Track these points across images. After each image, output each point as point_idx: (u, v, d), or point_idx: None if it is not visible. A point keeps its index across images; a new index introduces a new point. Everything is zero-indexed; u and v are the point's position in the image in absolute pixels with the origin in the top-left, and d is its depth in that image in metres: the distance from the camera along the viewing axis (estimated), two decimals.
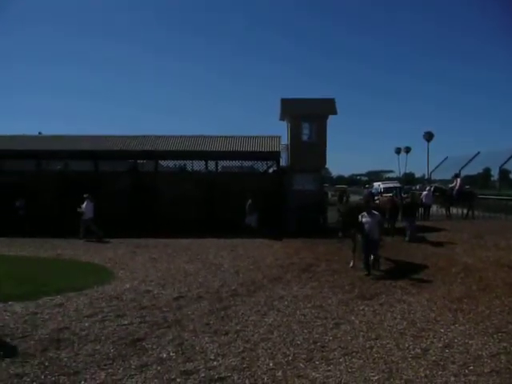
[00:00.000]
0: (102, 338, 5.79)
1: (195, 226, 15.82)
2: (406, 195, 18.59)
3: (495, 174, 35.81)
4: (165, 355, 5.26)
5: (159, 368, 4.91)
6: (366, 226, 9.68)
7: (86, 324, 6.32)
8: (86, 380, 4.62)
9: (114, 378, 4.67)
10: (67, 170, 18.50)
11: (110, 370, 4.83)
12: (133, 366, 4.94)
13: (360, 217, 9.96)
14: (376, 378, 4.70)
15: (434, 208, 20.47)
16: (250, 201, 16.14)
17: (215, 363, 5.07)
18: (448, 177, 24.12)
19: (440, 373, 4.81)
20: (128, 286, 8.51)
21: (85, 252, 12.13)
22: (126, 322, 6.39)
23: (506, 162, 25.34)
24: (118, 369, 4.88)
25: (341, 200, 28.06)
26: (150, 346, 5.55)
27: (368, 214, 9.84)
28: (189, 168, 19.07)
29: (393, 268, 10.30)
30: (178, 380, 4.65)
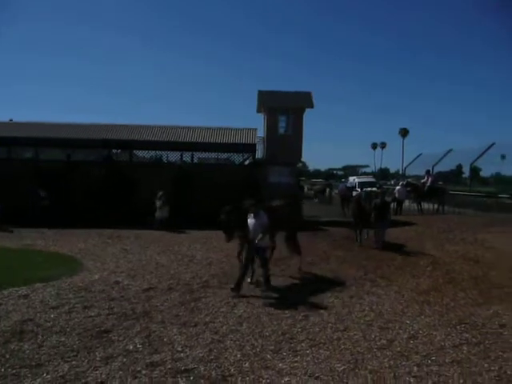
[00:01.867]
0: (68, 329, 5.68)
1: (169, 217, 15.65)
2: (378, 190, 18.77)
3: (466, 171, 36.74)
4: (131, 347, 5.21)
5: (125, 360, 4.85)
6: (250, 229, 7.81)
7: (52, 315, 6.19)
8: (48, 372, 4.52)
9: (78, 370, 4.59)
10: (38, 158, 18.02)
11: (73, 362, 4.75)
12: (98, 358, 4.87)
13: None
14: (341, 368, 4.77)
15: (406, 203, 20.84)
16: (160, 193, 15.34)
17: (182, 355, 5.04)
18: (422, 173, 24.53)
19: (404, 363, 4.91)
20: (97, 276, 8.38)
21: (55, 242, 11.87)
22: (93, 314, 6.28)
23: (476, 160, 26.01)
24: (83, 361, 4.80)
25: (323, 193, 28.31)
26: (116, 337, 5.48)
27: (254, 214, 7.82)
28: (164, 159, 18.86)
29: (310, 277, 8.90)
30: (144, 372, 4.60)
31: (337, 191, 25.74)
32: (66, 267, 9.02)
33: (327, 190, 28.34)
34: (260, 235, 7.63)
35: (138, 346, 5.25)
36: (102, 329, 5.73)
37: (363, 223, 12.36)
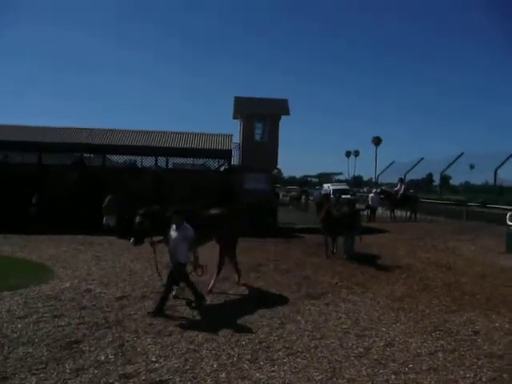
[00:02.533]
0: (36, 340, 5.44)
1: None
2: (351, 197, 18.98)
3: (437, 180, 37.67)
4: (103, 358, 5.02)
5: (96, 372, 4.66)
6: (170, 243, 6.92)
7: (19, 325, 5.92)
8: None
9: (47, 383, 4.39)
10: (7, 161, 17.44)
11: (42, 375, 4.53)
12: (67, 370, 4.66)
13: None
14: (319, 377, 4.71)
15: (379, 210, 21.15)
16: (109, 197, 14.96)
17: (157, 365, 4.89)
18: (394, 180, 25.04)
19: (381, 371, 4.90)
20: (68, 284, 8.10)
21: (22, 249, 11.44)
22: (62, 323, 6.04)
23: (446, 169, 26.71)
24: (52, 373, 4.59)
25: (298, 200, 28.36)
26: (87, 348, 5.28)
27: (177, 225, 6.83)
28: (138, 164, 18.56)
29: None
30: None
31: (312, 198, 25.92)
32: (34, 275, 8.70)
33: (302, 197, 28.39)
34: (182, 251, 6.76)
35: (111, 356, 5.07)
36: (73, 339, 5.51)
37: (331, 231, 11.68)
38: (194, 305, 7.01)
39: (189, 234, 6.82)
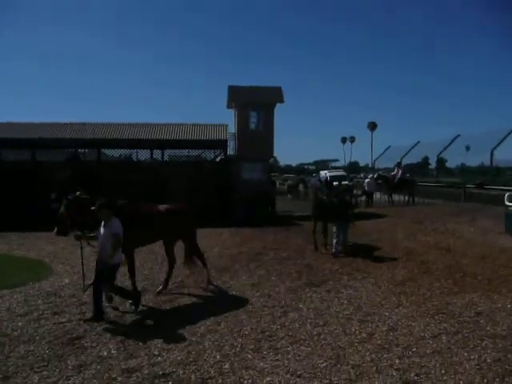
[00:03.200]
0: (37, 338, 5.40)
1: None
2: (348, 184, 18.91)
3: (433, 163, 37.64)
4: (105, 353, 4.98)
5: (99, 367, 4.63)
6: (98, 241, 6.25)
7: (19, 324, 5.87)
8: None
9: (49, 380, 4.34)
10: (1, 158, 17.25)
11: (44, 373, 4.49)
12: (70, 367, 4.62)
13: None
14: (324, 364, 4.69)
15: (377, 195, 21.13)
16: (53, 195, 15.00)
17: (159, 359, 4.85)
18: (391, 165, 24.99)
19: (385, 356, 4.88)
20: (67, 281, 8.05)
21: (20, 246, 11.37)
22: (63, 320, 6.00)
23: (442, 151, 26.63)
24: (54, 370, 4.55)
25: (296, 188, 27.38)
26: (89, 344, 5.24)
27: (105, 222, 6.15)
28: (134, 157, 18.43)
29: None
30: (119, 379, 4.40)
31: (309, 186, 25.73)
32: (33, 272, 8.64)
33: (300, 185, 27.77)
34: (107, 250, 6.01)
35: (113, 351, 5.03)
36: (74, 335, 5.47)
37: (322, 218, 10.87)
38: (132, 308, 6.43)
39: (115, 231, 6.01)
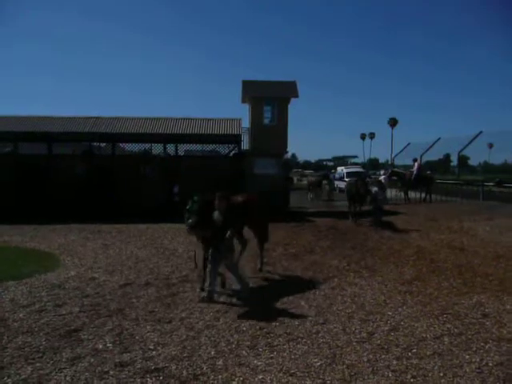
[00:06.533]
0: (36, 329, 5.43)
1: (154, 210, 15.36)
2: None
3: (454, 160, 36.86)
4: (101, 346, 4.98)
5: (92, 360, 4.63)
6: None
7: (21, 315, 5.93)
8: (9, 376, 4.28)
9: (42, 372, 4.36)
10: (17, 152, 17.56)
11: (37, 364, 4.51)
12: (64, 359, 4.63)
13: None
14: (318, 363, 4.59)
15: (393, 192, 20.77)
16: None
17: (154, 353, 4.83)
18: (410, 162, 24.52)
19: (383, 356, 4.75)
20: (73, 273, 8.11)
21: (32, 239, 11.54)
22: (64, 312, 6.03)
23: (463, 148, 26.02)
24: (48, 362, 4.56)
25: (320, 185, 22.92)
26: (86, 336, 5.25)
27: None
28: (147, 151, 18.54)
29: None
30: (111, 372, 4.38)
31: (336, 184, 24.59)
32: (41, 264, 8.74)
33: (324, 182, 23.41)
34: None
35: (108, 344, 5.03)
36: (72, 328, 5.49)
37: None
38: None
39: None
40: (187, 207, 6.73)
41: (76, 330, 5.42)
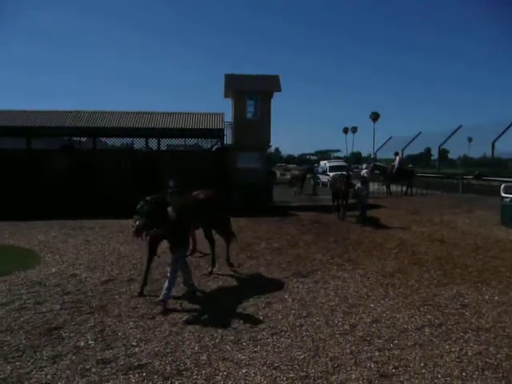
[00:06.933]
0: (15, 327, 5.33)
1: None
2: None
3: (435, 154, 37.45)
4: (82, 343, 4.92)
5: (74, 358, 4.57)
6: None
7: (0, 313, 5.82)
8: None
9: (22, 371, 4.28)
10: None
11: (17, 363, 4.43)
12: (44, 358, 4.56)
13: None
14: (302, 356, 4.62)
15: (375, 186, 20.95)
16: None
17: (137, 349, 4.79)
18: (392, 156, 24.77)
19: (365, 348, 4.80)
20: (54, 270, 7.99)
21: (11, 235, 11.32)
22: (44, 310, 5.94)
23: (444, 142, 26.40)
24: (28, 361, 4.49)
25: (303, 179, 22.41)
26: (67, 334, 5.17)
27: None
28: (128, 145, 18.34)
29: None
30: (94, 370, 4.33)
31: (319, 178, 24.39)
32: (21, 261, 8.58)
33: (308, 176, 23.04)
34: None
35: (90, 342, 4.97)
36: (53, 325, 5.41)
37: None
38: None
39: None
40: (137, 207, 6.18)
41: (57, 328, 5.34)
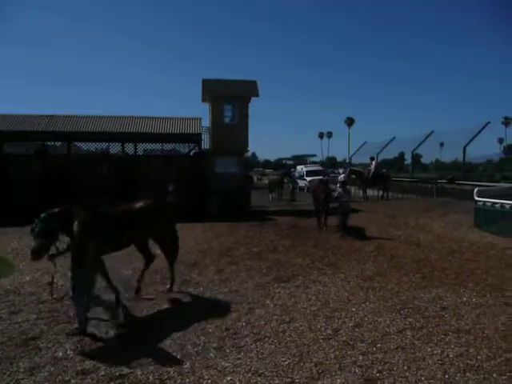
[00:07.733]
0: None
1: None
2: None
3: (408, 158, 38.20)
4: (61, 354, 4.77)
5: (52, 369, 4.43)
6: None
7: None
8: None
9: None
10: None
11: None
12: (21, 370, 4.41)
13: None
14: (286, 362, 4.60)
15: (352, 190, 21.20)
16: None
17: (117, 359, 4.67)
18: (367, 160, 25.16)
19: (349, 352, 4.82)
20: (28, 278, 7.76)
21: None
22: (19, 320, 5.74)
23: (417, 147, 26.99)
24: (4, 373, 4.33)
25: (281, 184, 22.53)
26: (44, 344, 5.01)
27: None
28: (105, 151, 18.01)
29: None
30: (73, 381, 4.21)
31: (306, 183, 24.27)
32: None
33: (285, 180, 23.05)
34: None
35: (69, 352, 4.82)
36: (29, 336, 5.24)
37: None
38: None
39: None
40: (32, 226, 5.45)
41: (34, 338, 5.17)
